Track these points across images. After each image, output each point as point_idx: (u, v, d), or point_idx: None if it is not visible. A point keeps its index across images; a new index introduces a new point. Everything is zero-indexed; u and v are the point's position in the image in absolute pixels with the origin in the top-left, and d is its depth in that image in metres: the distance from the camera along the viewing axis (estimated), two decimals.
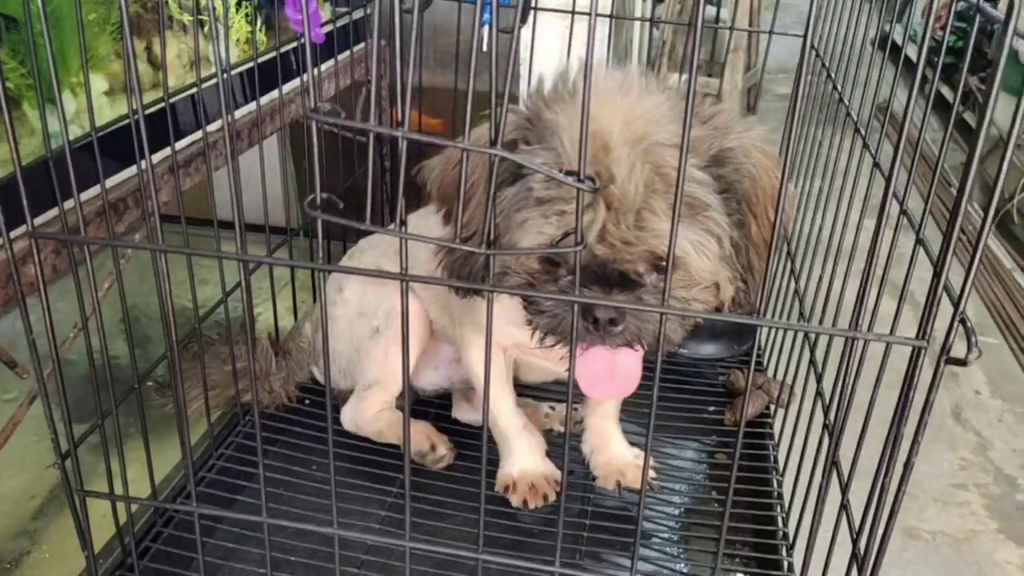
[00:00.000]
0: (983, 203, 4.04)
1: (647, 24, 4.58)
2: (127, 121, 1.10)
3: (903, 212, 1.00)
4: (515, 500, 1.34)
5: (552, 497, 1.33)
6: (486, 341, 0.86)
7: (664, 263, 0.98)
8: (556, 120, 0.98)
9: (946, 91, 4.56)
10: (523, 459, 1.36)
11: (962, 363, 0.78)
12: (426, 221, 1.39)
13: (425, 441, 1.42)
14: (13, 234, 0.89)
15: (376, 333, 1.43)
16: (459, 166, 0.90)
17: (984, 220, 0.75)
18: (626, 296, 0.98)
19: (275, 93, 1.43)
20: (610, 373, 1.07)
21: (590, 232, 0.93)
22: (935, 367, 0.81)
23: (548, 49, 1.86)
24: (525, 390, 1.54)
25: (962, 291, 0.78)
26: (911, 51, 4.70)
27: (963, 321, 0.80)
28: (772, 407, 1.58)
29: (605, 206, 0.93)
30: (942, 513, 2.71)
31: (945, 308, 0.81)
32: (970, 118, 4.76)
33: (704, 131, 1.02)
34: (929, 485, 2.82)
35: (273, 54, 1.38)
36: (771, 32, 1.76)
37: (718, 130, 1.02)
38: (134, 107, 0.93)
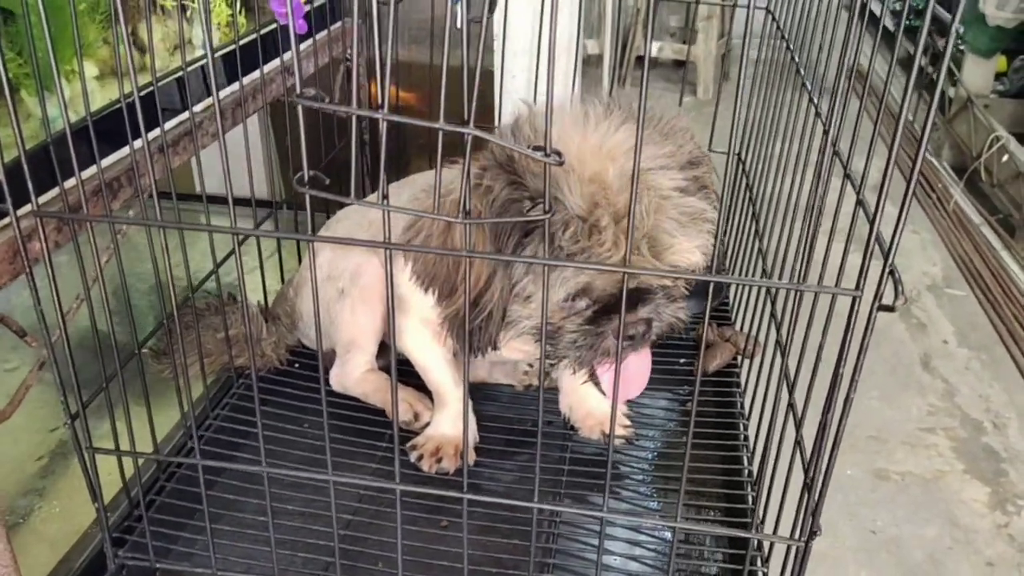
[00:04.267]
0: (952, 161, 4.09)
1: None
2: (118, 105, 1.16)
3: (847, 176, 1.08)
4: (412, 456, 1.40)
5: (451, 468, 1.38)
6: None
7: (679, 268, 1.10)
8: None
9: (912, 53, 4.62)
10: (443, 425, 1.43)
11: (891, 309, 0.86)
12: (399, 194, 1.47)
13: (408, 411, 1.48)
14: (19, 212, 0.95)
15: (342, 294, 1.50)
16: (440, 239, 1.06)
17: (913, 167, 0.83)
18: (648, 307, 1.12)
19: (256, 73, 1.49)
20: (641, 375, 1.21)
21: (606, 263, 1.04)
22: (868, 314, 0.90)
23: (521, 22, 1.92)
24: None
25: (890, 246, 0.86)
26: (881, 18, 4.76)
27: (892, 272, 0.88)
28: (739, 358, 1.67)
29: (624, 238, 1.02)
30: (911, 456, 2.83)
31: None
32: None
33: (670, 144, 1.11)
34: (899, 429, 2.94)
35: (253, 36, 1.44)
36: (734, 5, 1.82)
37: (673, 136, 1.13)
38: (127, 91, 1.00)
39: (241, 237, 1.05)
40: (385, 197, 0.83)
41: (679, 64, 6.06)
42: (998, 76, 4.65)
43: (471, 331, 1.12)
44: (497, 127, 1.69)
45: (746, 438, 1.47)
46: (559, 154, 0.79)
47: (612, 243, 1.03)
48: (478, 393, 1.58)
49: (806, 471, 1.05)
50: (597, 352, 1.14)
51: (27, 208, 0.95)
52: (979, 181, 4.28)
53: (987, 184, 4.24)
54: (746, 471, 1.40)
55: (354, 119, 0.79)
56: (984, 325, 3.53)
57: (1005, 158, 4.02)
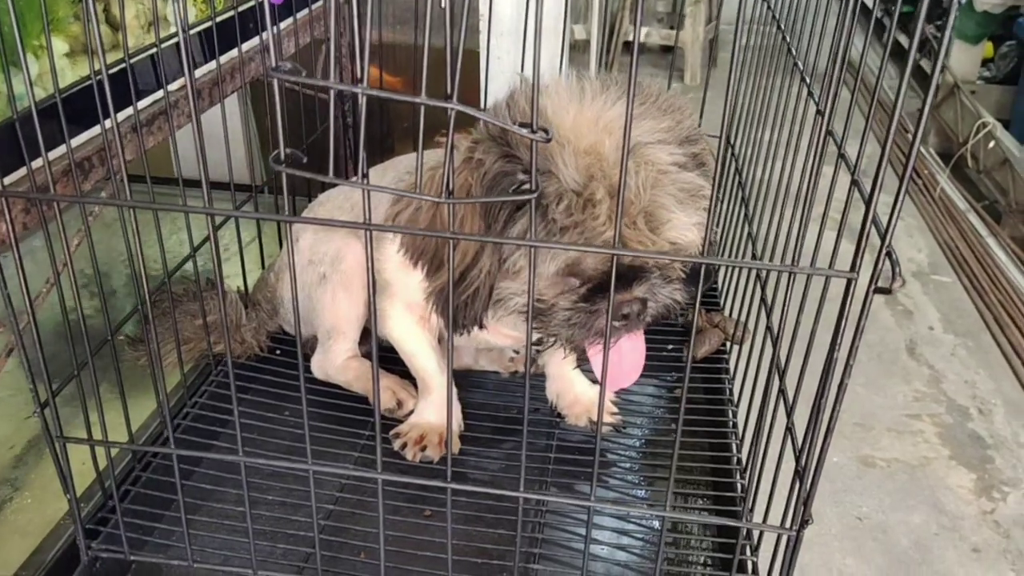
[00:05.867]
0: (938, 147, 4.09)
1: None
2: (89, 82, 1.12)
3: (841, 156, 1.05)
4: (396, 444, 1.37)
5: (435, 456, 1.34)
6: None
7: (677, 245, 1.06)
8: (543, 146, 0.99)
9: (903, 39, 4.62)
10: (428, 413, 1.40)
11: (887, 292, 0.84)
12: (383, 176, 1.43)
13: (391, 398, 1.46)
14: None
15: (323, 279, 1.46)
16: (428, 213, 1.01)
17: (909, 154, 0.80)
18: (644, 286, 1.08)
19: (235, 52, 1.45)
20: (635, 364, 1.18)
21: (600, 238, 1.00)
22: (865, 296, 0.87)
23: (505, 3, 1.89)
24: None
25: (888, 226, 0.84)
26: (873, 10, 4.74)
27: (889, 254, 0.85)
28: (728, 344, 1.65)
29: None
30: (897, 442, 2.83)
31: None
32: (927, 65, 4.83)
33: (668, 119, 1.08)
34: (884, 416, 2.93)
35: (231, 13, 1.39)
36: None
37: (671, 112, 1.09)
38: (96, 68, 0.96)
39: (218, 220, 1.02)
40: (365, 176, 0.80)
41: (666, 50, 6.04)
42: (985, 62, 4.65)
43: (456, 307, 1.09)
44: (484, 108, 1.66)
45: (735, 425, 1.45)
46: (546, 131, 0.76)
47: (607, 217, 1.00)
48: (463, 380, 1.55)
49: (797, 459, 1.03)
50: (590, 331, 1.10)
51: None
52: (965, 167, 4.28)
53: (973, 170, 4.24)
54: (735, 459, 1.38)
55: (333, 94, 0.76)
56: (970, 311, 3.53)
57: (991, 144, 4.02)
